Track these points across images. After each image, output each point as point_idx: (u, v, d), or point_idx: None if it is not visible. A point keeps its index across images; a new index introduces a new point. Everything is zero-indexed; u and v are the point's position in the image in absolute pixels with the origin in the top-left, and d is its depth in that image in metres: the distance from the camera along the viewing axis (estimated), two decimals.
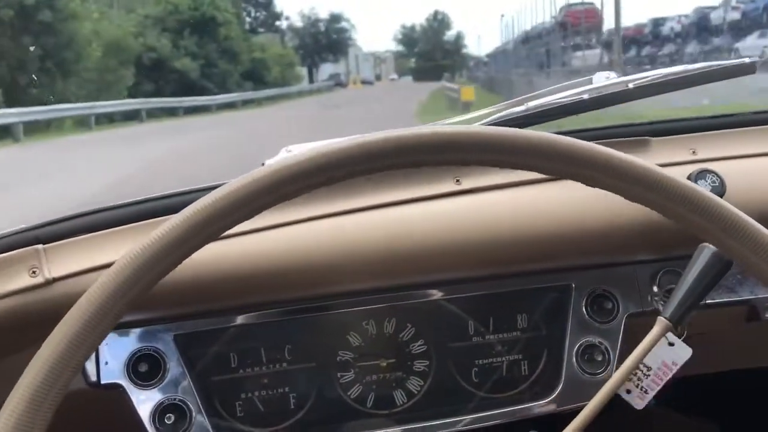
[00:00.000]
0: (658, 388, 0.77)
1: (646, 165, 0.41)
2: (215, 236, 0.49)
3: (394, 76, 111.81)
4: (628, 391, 0.75)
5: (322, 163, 0.48)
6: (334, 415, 0.84)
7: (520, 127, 0.86)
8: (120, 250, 0.76)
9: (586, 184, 0.46)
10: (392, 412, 0.85)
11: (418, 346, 0.86)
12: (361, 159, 0.48)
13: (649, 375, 0.78)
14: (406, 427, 0.83)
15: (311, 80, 73.20)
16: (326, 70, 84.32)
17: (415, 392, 0.85)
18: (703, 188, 0.46)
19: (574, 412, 0.64)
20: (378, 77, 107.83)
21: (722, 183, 0.79)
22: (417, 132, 0.47)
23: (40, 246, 0.75)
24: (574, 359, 0.84)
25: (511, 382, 0.87)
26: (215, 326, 0.81)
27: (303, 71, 69.89)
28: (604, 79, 0.86)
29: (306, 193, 0.49)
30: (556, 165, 0.42)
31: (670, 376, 0.78)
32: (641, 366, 0.78)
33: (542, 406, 0.84)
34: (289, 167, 0.47)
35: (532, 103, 0.84)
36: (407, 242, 0.81)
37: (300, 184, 0.47)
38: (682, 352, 0.79)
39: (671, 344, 0.79)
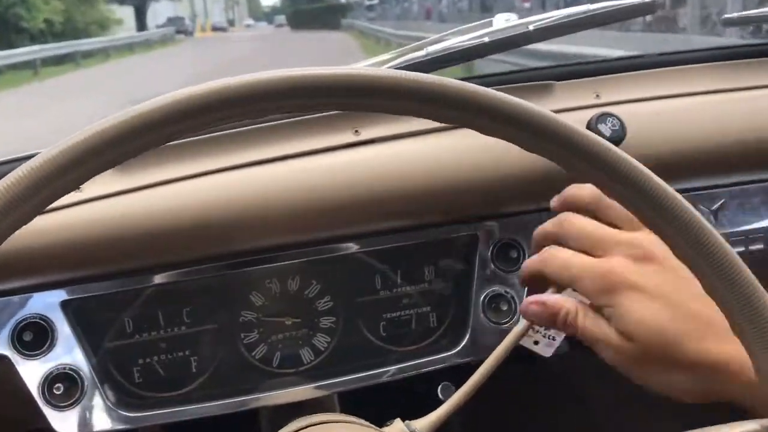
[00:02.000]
0: (563, 335, 0.77)
1: (541, 112, 0.38)
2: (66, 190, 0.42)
3: (250, 21, 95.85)
4: (536, 342, 0.74)
5: (200, 104, 0.41)
6: (239, 376, 0.82)
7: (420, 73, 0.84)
8: None
9: (482, 133, 0.43)
10: (299, 371, 0.83)
11: (324, 302, 0.83)
12: (251, 98, 0.42)
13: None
14: (314, 385, 0.82)
15: (141, 26, 49.57)
16: (162, 11, 61.24)
17: (322, 349, 0.84)
18: (600, 138, 0.43)
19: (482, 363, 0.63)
20: (231, 22, 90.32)
21: (623, 126, 0.79)
22: (309, 73, 0.42)
23: None
24: (480, 309, 0.83)
25: (419, 334, 0.86)
26: (107, 291, 0.77)
27: (124, 13, 47.82)
28: (504, 22, 0.83)
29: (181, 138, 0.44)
30: (449, 112, 0.38)
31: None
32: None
33: (450, 357, 0.83)
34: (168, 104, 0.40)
35: (431, 48, 0.81)
36: (308, 196, 0.78)
37: (180, 124, 0.40)
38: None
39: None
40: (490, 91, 0.38)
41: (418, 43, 0.84)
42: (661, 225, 0.41)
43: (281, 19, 79.09)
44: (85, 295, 0.76)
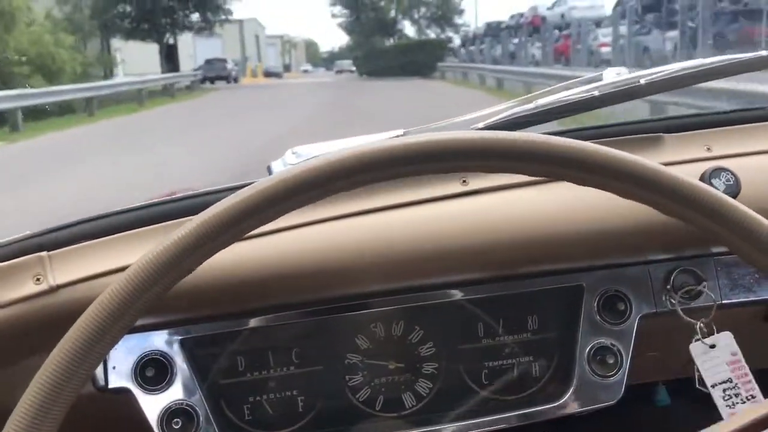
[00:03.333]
0: (753, 383, 0.75)
1: (652, 165, 0.39)
2: (228, 243, 0.48)
3: (308, 66, 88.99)
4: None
5: (337, 169, 0.46)
6: (343, 417, 0.84)
7: (529, 125, 0.85)
8: (124, 255, 0.75)
9: (593, 187, 0.45)
10: (401, 415, 0.84)
11: (427, 348, 0.85)
12: (371, 166, 0.46)
13: (736, 384, 0.77)
14: (416, 430, 0.83)
15: (171, 64, 37.71)
16: (201, 48, 47.58)
17: (424, 395, 0.85)
18: (712, 189, 0.44)
19: (586, 415, 0.63)
20: (287, 67, 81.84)
21: (737, 181, 0.77)
22: (419, 140, 0.46)
23: (44, 253, 0.75)
24: (585, 361, 0.83)
25: (521, 384, 0.86)
26: (222, 330, 0.81)
27: (151, 50, 37.08)
28: (615, 75, 0.84)
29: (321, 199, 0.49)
30: (551, 168, 0.40)
31: (745, 365, 0.77)
32: (722, 386, 0.76)
33: (553, 409, 0.83)
34: (308, 171, 0.46)
35: (541, 101, 0.82)
36: (417, 244, 0.80)
37: (317, 190, 0.46)
38: (727, 341, 0.77)
39: (712, 346, 0.78)
40: (632, 158, 0.39)
41: (526, 96, 0.86)
42: None
43: (344, 64, 68.41)
44: (203, 334, 0.80)
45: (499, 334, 0.86)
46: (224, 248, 0.49)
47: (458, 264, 0.82)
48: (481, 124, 0.83)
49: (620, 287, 0.84)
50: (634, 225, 0.80)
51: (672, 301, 0.83)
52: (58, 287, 0.74)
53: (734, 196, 0.77)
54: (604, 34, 18.77)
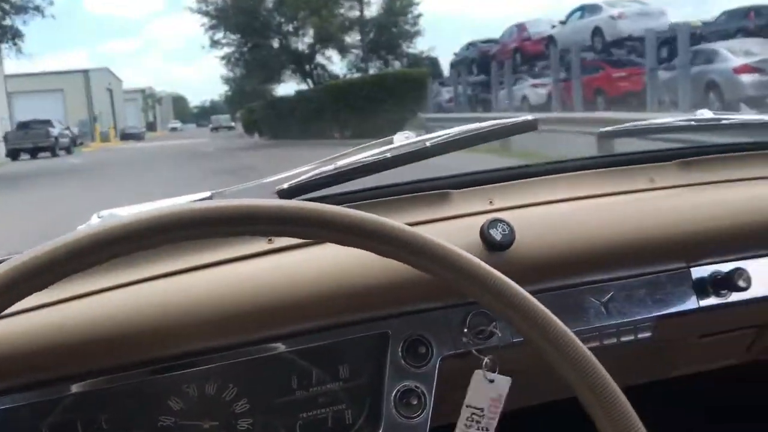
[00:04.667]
0: (495, 423, 0.83)
1: (396, 225, 0.46)
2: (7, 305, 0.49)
3: (176, 123, 77.17)
4: None
5: (119, 234, 0.49)
6: None
7: (330, 185, 0.92)
8: None
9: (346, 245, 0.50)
10: None
11: (242, 404, 0.87)
12: (149, 232, 0.50)
13: (483, 415, 0.84)
14: None
15: None
16: (24, 107, 36.41)
17: None
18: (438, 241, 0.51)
19: None
20: (151, 126, 71.01)
21: (512, 231, 0.87)
22: (195, 207, 0.50)
23: None
24: (392, 405, 0.88)
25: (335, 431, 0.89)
26: (26, 402, 0.79)
27: None
28: (404, 139, 0.93)
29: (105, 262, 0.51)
30: (309, 230, 0.46)
31: (500, 408, 0.84)
32: (473, 410, 0.83)
33: None
34: (84, 238, 0.49)
35: (340, 162, 0.89)
36: (225, 303, 0.82)
37: (93, 256, 0.48)
38: (502, 383, 0.85)
39: (491, 381, 0.86)
40: (359, 214, 0.45)
41: (329, 157, 0.92)
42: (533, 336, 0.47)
43: (221, 120, 59.60)
44: (4, 407, 0.78)
45: (312, 385, 0.89)
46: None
47: (270, 320, 0.85)
48: (286, 185, 0.88)
49: (423, 332, 0.90)
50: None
51: (467, 341, 0.91)
52: None
53: (509, 245, 0.86)
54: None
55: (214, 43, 36.53)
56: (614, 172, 1.04)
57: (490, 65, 21.46)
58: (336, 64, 36.98)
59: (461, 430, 0.78)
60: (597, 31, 19.11)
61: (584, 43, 17.98)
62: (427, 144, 0.89)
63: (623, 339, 0.97)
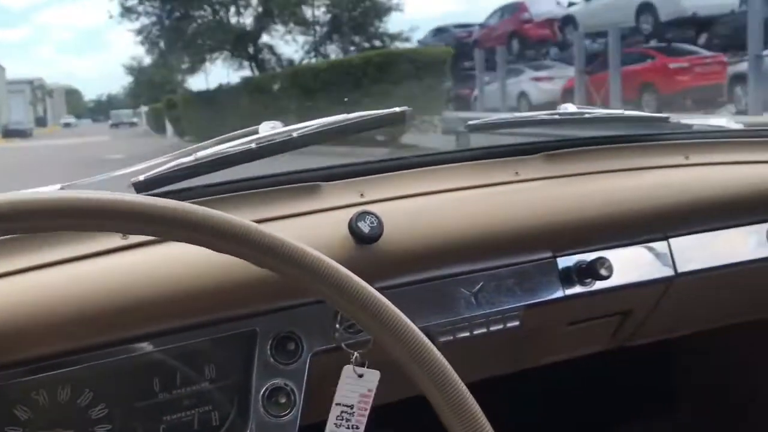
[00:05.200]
0: (365, 420, 0.81)
1: (239, 222, 0.43)
2: None
3: (69, 118, 69.09)
4: None
5: None
6: None
7: (191, 177, 0.87)
8: None
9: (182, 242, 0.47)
10: None
11: (99, 410, 0.81)
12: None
13: (353, 413, 0.82)
14: None
15: None
16: None
17: None
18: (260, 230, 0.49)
19: None
20: (41, 121, 61.61)
21: (380, 223, 0.86)
22: None
23: None
24: (260, 404, 0.85)
25: None
26: None
27: None
28: (270, 129, 0.90)
29: None
30: (147, 228, 0.42)
31: (370, 404, 0.83)
32: (342, 407, 0.81)
33: None
34: None
35: (200, 153, 0.85)
36: (80, 302, 0.77)
37: None
38: (371, 378, 0.84)
39: (360, 376, 0.84)
40: (198, 210, 0.42)
41: (188, 148, 0.88)
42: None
43: (121, 115, 52.45)
44: None
45: (176, 386, 0.85)
46: None
47: (128, 320, 0.80)
48: (142, 177, 0.83)
49: (293, 328, 0.88)
50: None
51: (339, 336, 0.89)
52: None
53: (377, 237, 0.85)
54: None
55: (127, 11, 26.34)
56: (481, 165, 1.05)
57: (469, 54, 16.99)
58: (285, 46, 30.12)
59: (331, 430, 0.76)
60: (646, 8, 14.05)
61: (624, 23, 13.69)
62: (295, 135, 0.87)
63: (492, 328, 0.98)
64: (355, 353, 0.85)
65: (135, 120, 50.11)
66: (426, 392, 0.46)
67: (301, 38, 26.20)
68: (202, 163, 0.84)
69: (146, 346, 0.82)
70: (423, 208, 0.96)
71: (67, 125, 64.35)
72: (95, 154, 17.01)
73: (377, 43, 25.21)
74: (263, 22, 25.81)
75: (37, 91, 65.09)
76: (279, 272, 0.44)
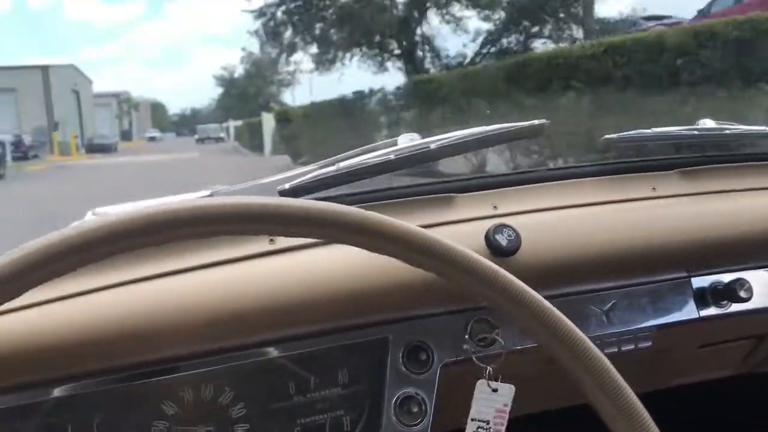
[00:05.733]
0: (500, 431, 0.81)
1: (410, 228, 0.44)
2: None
3: (154, 132, 68.96)
4: None
5: (109, 233, 0.47)
6: None
7: (332, 186, 0.90)
8: None
9: (364, 248, 0.48)
10: None
11: (238, 409, 0.84)
12: (144, 231, 0.47)
13: (490, 428, 0.82)
14: None
15: None
16: None
17: None
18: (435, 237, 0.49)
19: None
20: (126, 135, 63.09)
21: (518, 236, 0.86)
22: (194, 205, 0.48)
23: None
24: (392, 411, 0.86)
25: None
26: (15, 403, 0.76)
27: None
28: (409, 140, 0.91)
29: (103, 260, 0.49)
30: (313, 230, 0.44)
31: (506, 418, 0.83)
32: (479, 423, 0.82)
33: None
34: (93, 230, 0.46)
35: (342, 164, 0.87)
36: (226, 305, 0.80)
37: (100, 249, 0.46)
38: (506, 392, 0.84)
39: (494, 390, 0.84)
40: (379, 218, 0.44)
41: (330, 159, 0.91)
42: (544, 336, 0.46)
43: (209, 130, 49.64)
44: None
45: (310, 390, 0.87)
46: None
47: (268, 323, 0.83)
48: (287, 186, 0.86)
49: (423, 338, 0.89)
50: (430, 279, 0.86)
51: (469, 348, 0.89)
52: None
53: (515, 251, 0.85)
54: None
55: None
56: (617, 180, 1.03)
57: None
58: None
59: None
60: None
61: None
62: (432, 146, 0.88)
63: (624, 348, 0.96)
64: (488, 367, 0.85)
65: (222, 135, 47.75)
66: (594, 401, 0.46)
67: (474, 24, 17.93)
68: (344, 173, 0.86)
69: (284, 350, 0.85)
70: (559, 222, 0.95)
71: (151, 139, 64.47)
72: (191, 175, 14.97)
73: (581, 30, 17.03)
74: (423, 5, 17.90)
75: (124, 104, 64.77)
76: (448, 278, 0.45)
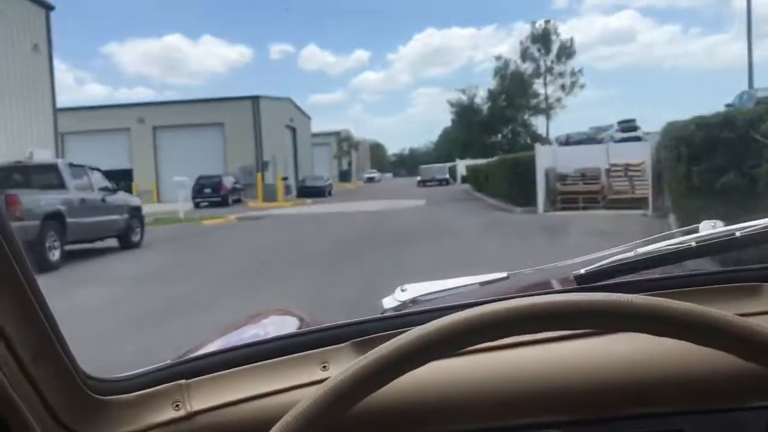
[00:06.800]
0: None
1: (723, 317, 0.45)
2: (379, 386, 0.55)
3: (373, 173, 65.68)
4: None
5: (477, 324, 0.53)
6: None
7: (629, 273, 0.90)
8: (257, 385, 0.82)
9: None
10: None
11: None
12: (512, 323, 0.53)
13: None
14: None
15: None
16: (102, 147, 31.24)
17: None
18: None
19: None
20: (345, 175, 60.45)
21: None
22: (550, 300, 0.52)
23: (183, 381, 0.82)
24: None
25: None
26: None
27: None
28: (711, 227, 0.89)
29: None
30: (673, 329, 0.46)
31: None
32: None
33: None
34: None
35: (641, 249, 0.88)
36: (519, 385, 0.83)
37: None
38: None
39: None
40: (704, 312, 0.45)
41: (627, 244, 0.91)
42: None
43: (434, 170, 45.08)
44: None
45: None
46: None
47: (558, 406, 0.84)
48: (582, 270, 0.88)
49: None
50: (731, 371, 0.82)
51: None
52: (195, 414, 0.80)
53: None
54: None
55: None
56: None
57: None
58: None
59: None
60: None
61: None
62: (738, 234, 0.85)
63: None
64: None
65: (447, 176, 42.99)
66: None
67: None
68: (643, 259, 0.86)
69: None
70: None
71: (370, 180, 61.50)
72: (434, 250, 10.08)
73: None
74: None
75: (344, 143, 61.56)
76: None
